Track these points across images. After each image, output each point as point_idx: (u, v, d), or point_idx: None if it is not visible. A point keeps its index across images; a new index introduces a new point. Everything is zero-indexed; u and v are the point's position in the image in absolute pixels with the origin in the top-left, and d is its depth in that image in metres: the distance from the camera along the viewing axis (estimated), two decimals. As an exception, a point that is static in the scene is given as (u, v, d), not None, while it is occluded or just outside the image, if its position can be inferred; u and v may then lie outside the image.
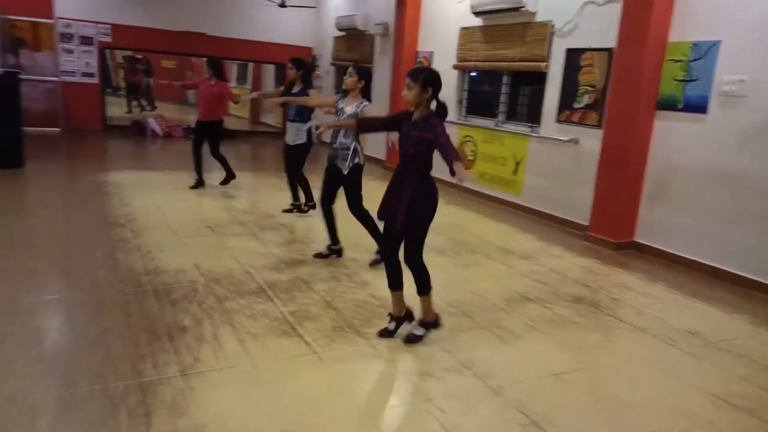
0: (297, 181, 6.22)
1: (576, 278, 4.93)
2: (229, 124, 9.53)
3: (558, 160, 6.80)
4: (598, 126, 6.22)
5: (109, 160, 9.42)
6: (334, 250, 4.92)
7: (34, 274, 4.01)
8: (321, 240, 5.24)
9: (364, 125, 3.80)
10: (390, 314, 3.53)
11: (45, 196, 6.22)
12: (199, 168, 7.16)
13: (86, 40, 11.36)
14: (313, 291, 4.12)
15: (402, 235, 3.34)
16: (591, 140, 6.31)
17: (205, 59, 7.28)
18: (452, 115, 8.61)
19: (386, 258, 3.50)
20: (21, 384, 2.66)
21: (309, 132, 5.91)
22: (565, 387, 3.07)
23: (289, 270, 4.55)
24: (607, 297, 4.53)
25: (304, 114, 5.94)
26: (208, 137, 7.08)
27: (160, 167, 8.60)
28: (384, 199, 3.42)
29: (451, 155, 3.02)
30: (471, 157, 8.31)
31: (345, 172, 4.53)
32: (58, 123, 11.21)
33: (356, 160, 4.53)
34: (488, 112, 8.14)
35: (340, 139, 4.53)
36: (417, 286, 3.41)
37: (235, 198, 6.93)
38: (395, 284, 3.45)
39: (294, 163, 6.14)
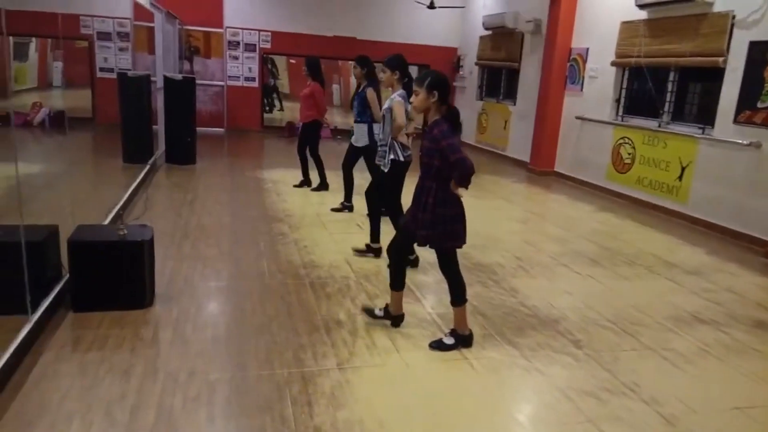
0: (346, 179, 6.01)
1: (757, 300, 4.37)
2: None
3: (735, 166, 6.08)
4: (788, 128, 5.47)
5: (266, 159, 10.12)
6: (373, 248, 4.72)
7: (209, 262, 4.39)
8: (476, 244, 5.16)
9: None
10: (386, 305, 3.46)
11: (214, 190, 6.82)
12: (304, 169, 7.15)
13: (250, 47, 12.32)
14: (461, 294, 4.06)
15: (422, 245, 3.21)
16: (778, 144, 5.57)
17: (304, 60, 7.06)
18: (608, 114, 8.14)
19: (393, 256, 3.38)
20: (199, 362, 2.91)
21: (371, 133, 5.56)
22: (751, 424, 2.71)
23: (435, 271, 4.49)
24: (797, 324, 3.95)
25: (366, 114, 5.59)
26: (306, 138, 7.00)
27: (311, 166, 9.05)
28: (409, 210, 3.30)
29: (454, 165, 2.90)
30: (628, 161, 7.74)
31: (385, 170, 4.31)
32: (222, 123, 12.30)
33: (392, 157, 4.27)
34: (650, 111, 7.52)
35: (378, 135, 4.54)
36: (451, 295, 3.25)
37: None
38: (397, 285, 3.36)
39: (353, 164, 5.92)
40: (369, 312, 3.51)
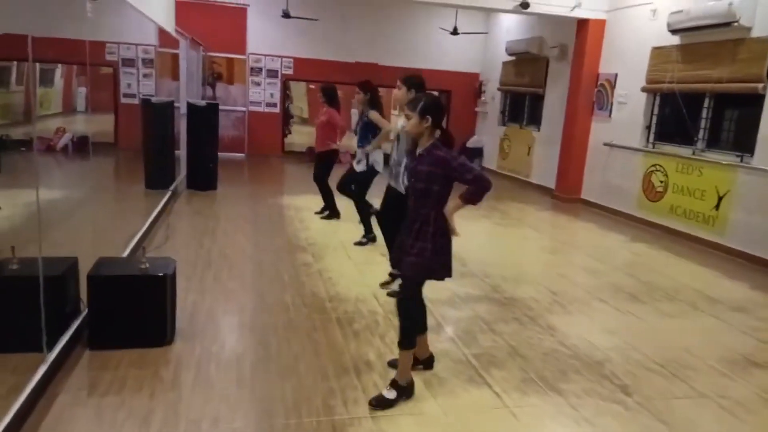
0: (359, 209, 5.77)
1: (813, 341, 4.08)
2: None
3: (777, 195, 5.82)
4: (836, 157, 5.21)
5: (287, 185, 10.02)
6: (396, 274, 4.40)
7: (232, 295, 4.23)
8: (495, 274, 4.96)
9: None
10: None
11: (236, 218, 6.70)
12: (326, 199, 6.84)
13: (272, 73, 12.34)
14: (495, 333, 3.84)
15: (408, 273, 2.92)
16: (824, 174, 5.31)
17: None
18: (638, 141, 7.91)
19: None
20: (223, 408, 2.72)
21: (368, 158, 5.53)
22: (830, 488, 2.45)
23: (467, 306, 4.33)
24: None
25: (367, 139, 5.56)
26: (324, 167, 6.76)
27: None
28: (396, 247, 3.09)
29: (474, 181, 2.74)
30: (660, 189, 7.49)
31: (402, 191, 4.08)
32: (243, 149, 12.28)
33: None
34: (683, 138, 7.28)
35: (394, 155, 4.34)
36: (401, 334, 2.91)
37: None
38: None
39: (356, 190, 5.72)
40: (378, 403, 2.87)
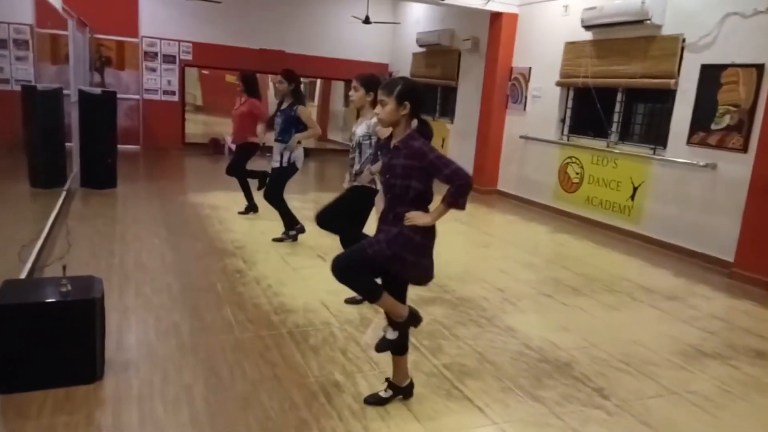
0: (276, 208, 5.45)
1: (744, 326, 4.31)
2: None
3: (689, 186, 6.16)
4: (743, 150, 5.58)
5: (195, 180, 9.28)
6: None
7: (162, 312, 3.70)
8: (439, 272, 4.80)
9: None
10: (388, 380, 2.83)
11: (146, 220, 6.01)
12: (246, 193, 6.42)
13: (169, 59, 11.39)
14: (458, 339, 3.67)
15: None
16: (733, 166, 5.68)
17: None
18: (553, 134, 8.13)
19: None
20: (183, 457, 2.30)
21: (289, 156, 5.22)
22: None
23: (423, 310, 4.03)
24: (793, 352, 3.90)
25: (291, 133, 5.15)
26: (241, 160, 6.34)
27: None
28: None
29: (452, 177, 2.44)
30: (576, 181, 7.74)
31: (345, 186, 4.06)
32: (137, 140, 11.26)
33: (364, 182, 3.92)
34: (598, 131, 7.56)
35: (355, 165, 3.95)
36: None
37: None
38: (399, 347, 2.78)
39: (273, 185, 5.41)
40: (376, 401, 2.79)
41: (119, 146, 7.71)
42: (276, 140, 5.26)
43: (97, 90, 7.60)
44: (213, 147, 11.94)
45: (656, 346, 3.78)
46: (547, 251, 6.19)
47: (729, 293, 5.08)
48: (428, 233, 2.59)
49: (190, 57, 11.56)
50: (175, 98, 11.61)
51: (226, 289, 4.21)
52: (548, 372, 3.30)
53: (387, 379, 2.83)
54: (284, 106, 5.24)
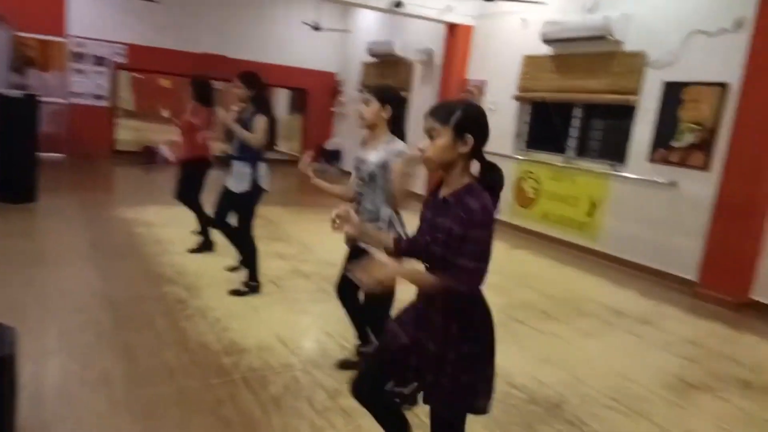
0: (240, 246, 4.48)
1: (721, 351, 4.17)
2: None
3: (650, 204, 6.07)
4: (705, 169, 5.53)
5: (128, 193, 8.53)
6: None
7: (89, 356, 3.13)
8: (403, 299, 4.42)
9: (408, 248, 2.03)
10: None
11: (70, 239, 5.33)
12: (202, 223, 5.37)
13: (99, 61, 10.55)
14: (435, 377, 3.29)
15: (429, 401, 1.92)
16: (695, 184, 5.62)
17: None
18: (509, 148, 7.95)
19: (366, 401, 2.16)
20: None
21: (254, 176, 4.24)
22: None
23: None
24: (777, 381, 3.75)
25: (251, 150, 4.20)
26: (191, 181, 5.29)
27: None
28: (402, 319, 2.05)
29: (460, 272, 1.74)
30: (532, 196, 7.58)
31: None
32: (62, 148, 10.32)
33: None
34: (556, 147, 7.43)
35: (366, 204, 2.94)
36: None
37: (280, 240, 6.09)
38: None
39: (238, 218, 4.36)
40: None
41: (41, 155, 6.94)
42: (235, 158, 4.29)
43: (18, 93, 6.80)
44: (146, 155, 11.13)
45: (641, 379, 3.54)
46: (510, 270, 5.93)
47: (697, 315, 4.96)
48: (488, 329, 1.88)
49: (123, 59, 10.76)
50: (105, 103, 10.76)
51: (167, 324, 3.67)
52: (540, 416, 2.98)
53: None
54: (245, 114, 4.24)
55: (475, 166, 1.88)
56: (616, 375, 3.57)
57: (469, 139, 1.80)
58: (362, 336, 3.24)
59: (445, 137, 1.80)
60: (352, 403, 2.79)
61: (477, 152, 1.84)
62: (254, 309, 4.08)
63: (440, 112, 1.82)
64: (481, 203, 1.76)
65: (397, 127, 2.95)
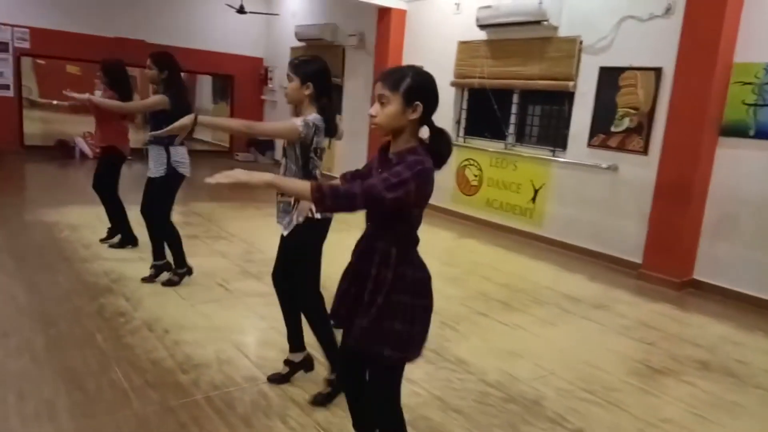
0: (159, 237, 4.34)
1: (675, 333, 4.29)
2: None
3: (591, 188, 6.21)
4: (644, 153, 5.69)
5: (45, 192, 7.77)
6: (300, 363, 3.01)
7: (25, 384, 2.75)
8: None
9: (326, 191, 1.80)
10: None
11: (-18, 247, 4.77)
12: (114, 217, 5.18)
13: (0, 47, 9.57)
14: (410, 381, 3.12)
15: (360, 352, 1.98)
16: (634, 168, 5.78)
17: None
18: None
19: (344, 388, 2.32)
20: None
21: (169, 159, 4.09)
22: None
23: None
24: (729, 359, 3.88)
25: (166, 137, 3.62)
26: (107, 169, 5.04)
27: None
28: (339, 288, 2.08)
29: (362, 190, 1.76)
30: (475, 183, 7.59)
31: (284, 234, 2.84)
32: (-39, 143, 9.35)
33: (300, 220, 2.76)
34: (495, 133, 7.45)
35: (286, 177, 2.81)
36: None
37: (221, 239, 5.75)
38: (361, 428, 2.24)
39: (154, 204, 4.22)
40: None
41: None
42: (149, 143, 4.10)
43: None
44: (61, 150, 10.28)
45: (608, 366, 3.57)
46: (461, 260, 5.91)
47: (645, 296, 5.10)
48: (426, 287, 1.96)
49: (27, 45, 9.82)
50: (9, 93, 9.81)
51: (110, 340, 3.31)
52: (520, 415, 2.90)
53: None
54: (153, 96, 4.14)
55: (424, 131, 1.92)
56: (584, 364, 3.57)
57: (419, 106, 1.84)
58: (296, 342, 3.00)
59: (394, 104, 1.83)
60: (329, 417, 2.64)
61: (426, 118, 1.89)
62: (205, 316, 3.78)
63: (390, 79, 1.85)
64: (419, 159, 1.81)
65: (326, 103, 2.76)
